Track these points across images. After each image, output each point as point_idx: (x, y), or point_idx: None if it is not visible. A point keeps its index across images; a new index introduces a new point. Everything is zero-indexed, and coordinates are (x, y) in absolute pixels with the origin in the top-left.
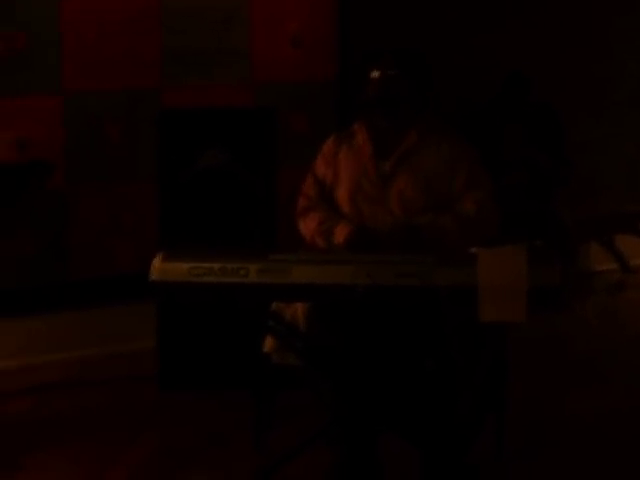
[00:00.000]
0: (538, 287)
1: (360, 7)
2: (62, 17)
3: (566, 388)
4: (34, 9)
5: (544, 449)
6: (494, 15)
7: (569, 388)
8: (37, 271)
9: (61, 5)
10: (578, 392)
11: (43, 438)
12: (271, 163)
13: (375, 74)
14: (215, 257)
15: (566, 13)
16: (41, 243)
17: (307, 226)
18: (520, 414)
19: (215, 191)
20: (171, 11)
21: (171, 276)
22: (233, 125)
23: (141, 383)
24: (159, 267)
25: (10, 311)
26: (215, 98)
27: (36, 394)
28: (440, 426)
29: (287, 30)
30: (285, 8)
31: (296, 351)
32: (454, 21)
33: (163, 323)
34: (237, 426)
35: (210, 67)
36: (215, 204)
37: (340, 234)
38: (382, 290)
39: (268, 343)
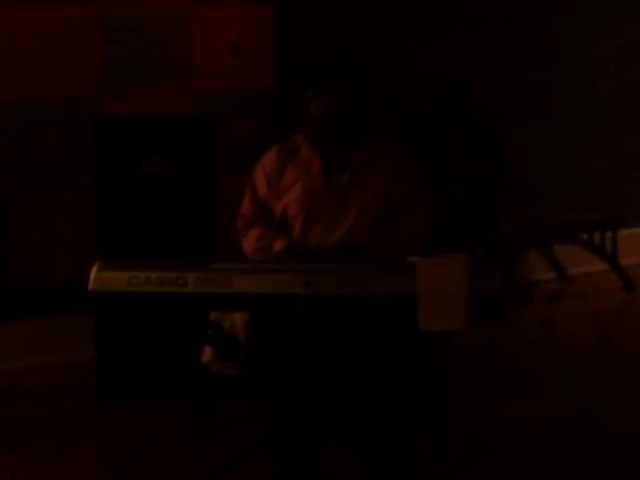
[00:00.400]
0: (476, 296)
1: (300, 16)
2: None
3: (504, 397)
4: None
5: (483, 457)
6: (432, 24)
7: (507, 397)
8: None
9: None
10: (516, 401)
11: None
12: (210, 172)
13: (317, 93)
14: (153, 266)
15: (502, 21)
16: None
17: (247, 243)
18: (459, 422)
19: (154, 200)
20: (109, 20)
21: (109, 286)
22: (172, 134)
23: (80, 394)
24: (96, 277)
25: None
26: (155, 107)
27: None
28: (381, 434)
29: (227, 39)
30: (224, 17)
31: (235, 361)
32: (393, 30)
33: (101, 333)
34: (177, 437)
35: (150, 76)
36: (154, 213)
37: (277, 247)
38: (322, 299)
39: (207, 353)
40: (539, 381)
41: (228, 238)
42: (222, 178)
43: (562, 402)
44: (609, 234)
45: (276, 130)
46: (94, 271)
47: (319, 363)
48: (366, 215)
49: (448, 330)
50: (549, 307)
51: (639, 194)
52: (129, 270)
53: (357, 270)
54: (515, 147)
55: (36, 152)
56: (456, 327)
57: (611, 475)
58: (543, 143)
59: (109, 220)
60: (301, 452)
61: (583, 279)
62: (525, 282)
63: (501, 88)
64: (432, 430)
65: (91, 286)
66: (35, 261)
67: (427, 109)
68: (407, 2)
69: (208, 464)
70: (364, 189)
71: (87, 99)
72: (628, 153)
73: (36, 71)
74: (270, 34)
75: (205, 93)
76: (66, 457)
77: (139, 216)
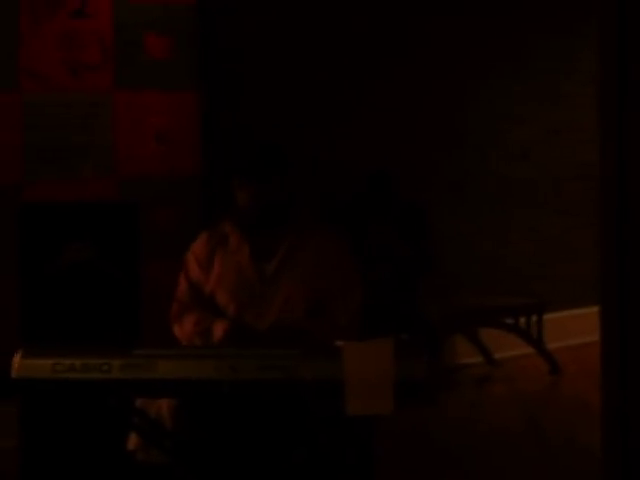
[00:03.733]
0: (403, 380)
1: (223, 103)
2: None
3: None
4: None
5: None
6: (353, 114)
7: None
8: None
9: None
10: None
11: None
12: (134, 257)
13: (243, 182)
14: (77, 353)
15: (422, 107)
16: None
17: (183, 329)
18: None
19: (78, 286)
20: (33, 106)
21: (32, 373)
22: (96, 219)
23: None
24: (20, 364)
25: None
26: (79, 193)
27: None
28: None
29: (150, 125)
30: (148, 104)
31: (161, 448)
32: (315, 119)
33: (25, 421)
34: None
35: (73, 162)
36: (78, 299)
37: (218, 330)
38: (246, 384)
39: (132, 440)
40: (467, 465)
41: (153, 323)
42: (146, 263)
43: None
44: (534, 318)
45: (201, 216)
46: (17, 358)
47: (246, 449)
48: (295, 300)
49: (376, 414)
50: (476, 391)
51: (563, 278)
52: (53, 357)
53: (282, 354)
54: (439, 232)
55: None
56: (384, 411)
57: None
58: (466, 228)
59: (32, 307)
60: None
61: (509, 363)
62: (452, 366)
63: (423, 174)
64: None
65: (14, 373)
66: None
67: (349, 198)
68: (330, 93)
69: None
70: (292, 275)
71: (9, 186)
72: (551, 237)
73: None
74: (194, 121)
75: (129, 179)
76: None
77: (62, 302)
